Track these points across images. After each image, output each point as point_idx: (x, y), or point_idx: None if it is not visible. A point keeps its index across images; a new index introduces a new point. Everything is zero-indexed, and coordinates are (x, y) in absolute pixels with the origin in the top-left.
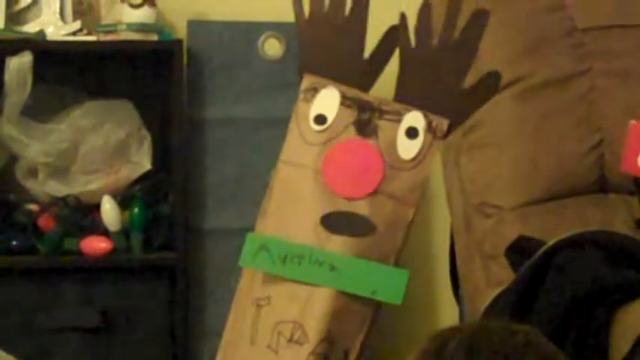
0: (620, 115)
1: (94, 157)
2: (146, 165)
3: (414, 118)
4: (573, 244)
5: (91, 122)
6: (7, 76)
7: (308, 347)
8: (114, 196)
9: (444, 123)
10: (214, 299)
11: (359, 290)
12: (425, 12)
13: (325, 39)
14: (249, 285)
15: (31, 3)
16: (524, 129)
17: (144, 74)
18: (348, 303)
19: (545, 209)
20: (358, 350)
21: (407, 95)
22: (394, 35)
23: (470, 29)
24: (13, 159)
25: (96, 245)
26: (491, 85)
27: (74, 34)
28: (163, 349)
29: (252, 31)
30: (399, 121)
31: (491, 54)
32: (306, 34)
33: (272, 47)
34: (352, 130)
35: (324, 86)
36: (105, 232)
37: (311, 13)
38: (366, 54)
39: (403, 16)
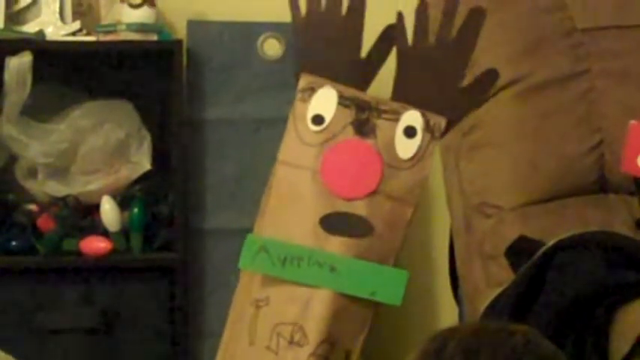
0: (619, 116)
1: (93, 158)
2: (146, 165)
3: (412, 117)
4: (573, 244)
5: (90, 122)
6: (7, 76)
7: (308, 349)
8: (113, 196)
9: (441, 122)
10: (214, 299)
11: (358, 291)
12: (422, 11)
13: (322, 38)
14: (248, 285)
15: (31, 3)
16: (524, 129)
17: (144, 74)
18: (348, 304)
19: (545, 209)
20: (359, 351)
21: (404, 94)
22: (391, 34)
23: (467, 27)
24: (13, 159)
25: (95, 245)
26: (488, 83)
27: (74, 34)
28: (163, 349)
29: (251, 31)
30: (397, 120)
31: (491, 54)
32: (303, 33)
33: (271, 47)
34: (350, 130)
35: (321, 86)
36: (104, 233)
37: (308, 13)
38: (363, 53)
39: (400, 15)
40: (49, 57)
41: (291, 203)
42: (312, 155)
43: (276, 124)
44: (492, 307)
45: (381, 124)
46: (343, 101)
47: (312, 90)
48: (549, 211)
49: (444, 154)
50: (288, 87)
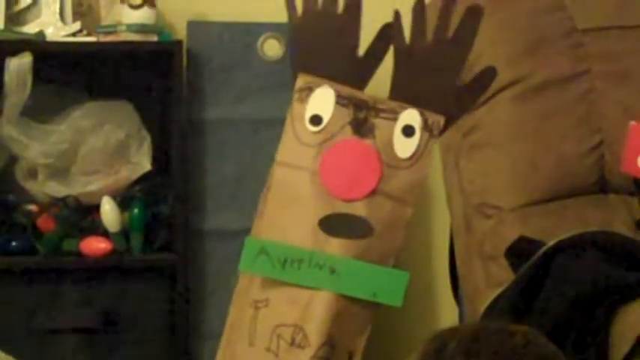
0: (619, 116)
1: (93, 158)
2: (146, 166)
3: (410, 116)
4: (573, 244)
5: (90, 123)
6: (7, 77)
7: (309, 351)
8: (114, 196)
9: (440, 120)
10: (214, 300)
11: (359, 293)
12: (419, 9)
13: (319, 37)
14: (247, 286)
15: (31, 4)
16: (524, 130)
17: (144, 75)
18: (348, 306)
19: (545, 210)
20: (361, 352)
21: (402, 93)
22: (388, 33)
23: (464, 26)
24: (13, 160)
25: (95, 246)
26: (487, 81)
27: (74, 34)
28: (163, 350)
29: (251, 31)
30: (395, 120)
31: (491, 54)
32: (300, 32)
33: (271, 48)
34: (349, 129)
35: (318, 85)
36: (104, 233)
37: (304, 12)
38: (361, 52)
39: (397, 14)
40: (50, 58)
41: (290, 204)
42: (310, 156)
43: (276, 125)
44: (492, 307)
45: (380, 123)
46: (341, 101)
47: (309, 90)
48: (549, 211)
49: (444, 153)
50: (288, 87)
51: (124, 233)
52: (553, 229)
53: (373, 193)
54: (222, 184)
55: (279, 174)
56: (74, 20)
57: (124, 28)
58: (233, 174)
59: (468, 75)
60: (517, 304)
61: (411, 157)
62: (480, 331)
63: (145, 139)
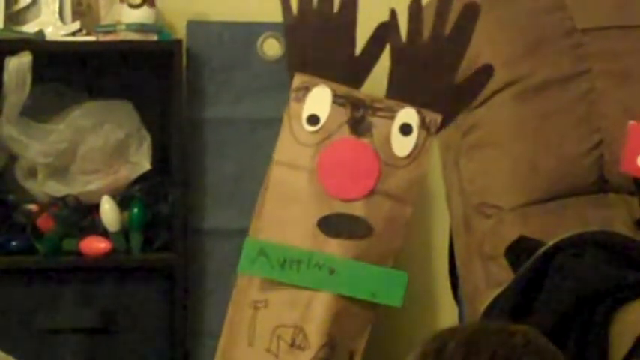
0: (619, 116)
1: (93, 158)
2: (145, 165)
3: (408, 114)
4: (573, 244)
5: (90, 122)
6: (7, 77)
7: (310, 352)
8: (113, 196)
9: (437, 118)
10: (214, 299)
11: (359, 293)
12: (415, 7)
13: (315, 36)
14: (246, 286)
15: (31, 3)
16: (524, 129)
17: (143, 74)
18: (348, 306)
19: (544, 210)
20: (362, 352)
21: (399, 91)
22: (384, 32)
23: (461, 24)
24: (13, 159)
25: (95, 246)
26: (484, 79)
27: (73, 34)
28: (163, 349)
29: (251, 31)
30: (392, 118)
31: (491, 54)
32: (295, 32)
33: (271, 47)
34: (346, 129)
35: (315, 85)
36: (104, 233)
37: (299, 11)
38: (357, 51)
39: (393, 13)
40: (49, 57)
41: (289, 205)
42: (308, 156)
43: (276, 124)
44: (492, 307)
45: (377, 122)
46: (338, 100)
47: (306, 89)
48: (549, 211)
49: (443, 153)
50: (288, 87)
51: (124, 233)
52: (553, 228)
53: (372, 192)
54: (221, 184)
55: (276, 174)
56: (74, 20)
57: (123, 27)
58: (233, 173)
59: (466, 74)
60: (517, 303)
61: (409, 156)
62: (480, 331)
63: (145, 139)
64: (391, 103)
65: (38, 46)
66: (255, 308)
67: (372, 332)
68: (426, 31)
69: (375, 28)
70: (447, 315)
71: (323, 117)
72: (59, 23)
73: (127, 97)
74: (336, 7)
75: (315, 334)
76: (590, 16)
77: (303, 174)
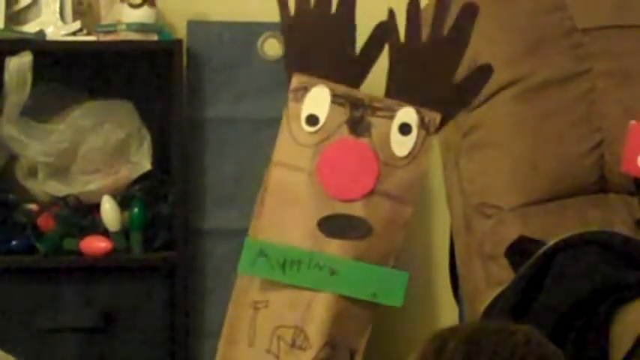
0: (620, 116)
1: (93, 157)
2: (146, 165)
3: (407, 114)
4: (573, 244)
5: (90, 122)
6: (7, 76)
7: (311, 353)
8: (114, 196)
9: (436, 118)
10: (214, 299)
11: (359, 294)
12: (413, 7)
13: (313, 37)
14: (246, 286)
15: (31, 3)
16: (524, 129)
17: (144, 74)
18: (348, 306)
19: (545, 210)
20: (363, 352)
21: (398, 91)
22: (383, 31)
23: (460, 23)
24: (13, 159)
25: (96, 245)
26: (483, 78)
27: (74, 34)
28: (163, 349)
29: (251, 31)
30: (391, 118)
31: (491, 54)
32: (293, 32)
33: (272, 47)
34: (345, 129)
35: (314, 85)
36: (105, 232)
37: (297, 11)
38: (356, 51)
39: (391, 12)
40: (50, 57)
41: (288, 205)
42: (307, 156)
43: (276, 124)
44: (492, 307)
45: (376, 121)
46: (337, 100)
47: (304, 89)
48: (549, 211)
49: (444, 153)
50: (288, 87)
51: (124, 232)
52: (553, 228)
53: (371, 192)
54: (222, 184)
55: (276, 174)
56: (74, 19)
57: (123, 27)
58: (233, 173)
59: (466, 73)
60: (517, 303)
61: (408, 155)
62: (480, 331)
63: (145, 139)
64: (390, 102)
65: (38, 45)
66: (256, 309)
67: (372, 332)
68: (426, 31)
69: (373, 27)
70: (447, 315)
71: (322, 117)
72: (60, 23)
73: (127, 97)
74: (333, 7)
75: (315, 334)
76: (590, 15)
77: (303, 175)
